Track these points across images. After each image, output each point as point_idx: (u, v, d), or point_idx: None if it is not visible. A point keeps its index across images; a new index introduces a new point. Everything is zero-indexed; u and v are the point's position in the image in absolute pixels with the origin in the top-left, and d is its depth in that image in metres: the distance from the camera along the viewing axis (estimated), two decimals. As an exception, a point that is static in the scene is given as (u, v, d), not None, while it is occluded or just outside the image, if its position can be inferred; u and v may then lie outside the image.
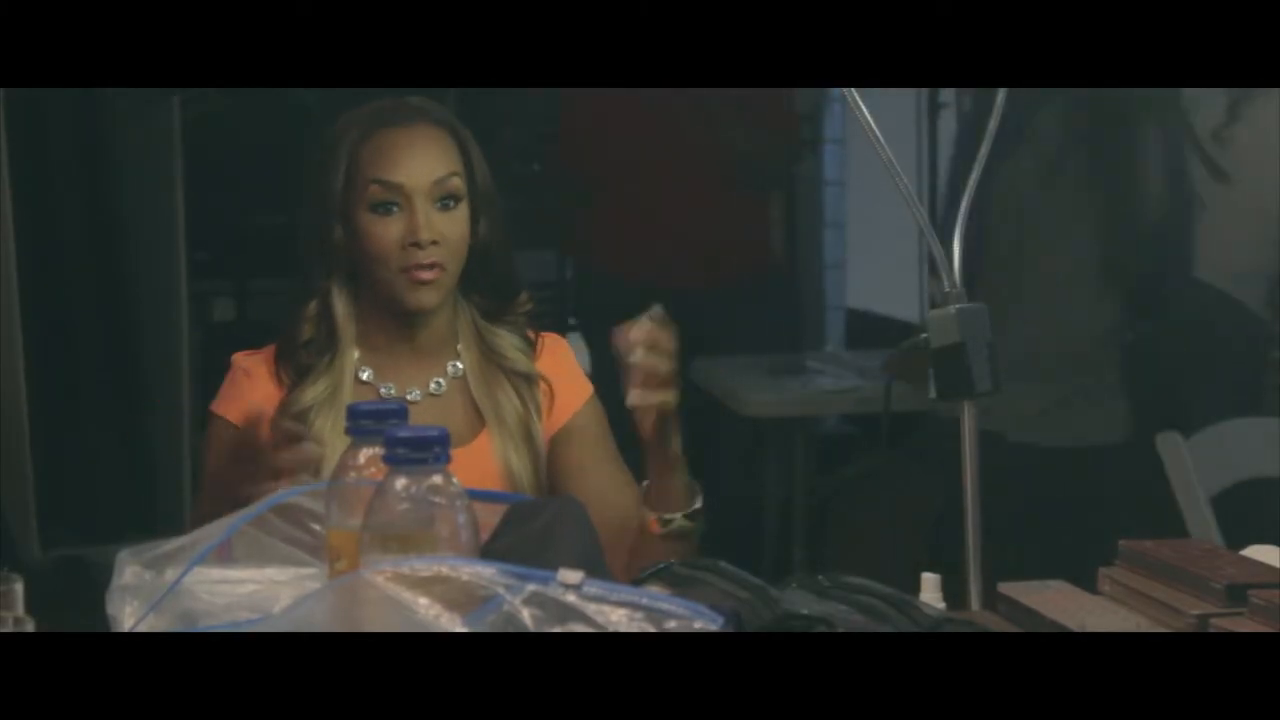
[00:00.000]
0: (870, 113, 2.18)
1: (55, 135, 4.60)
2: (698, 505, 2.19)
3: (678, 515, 2.17)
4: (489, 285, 2.25)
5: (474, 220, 2.21)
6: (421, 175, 2.17)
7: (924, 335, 2.19)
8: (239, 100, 5.23)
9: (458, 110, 2.46)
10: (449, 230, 2.17)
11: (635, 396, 2.07)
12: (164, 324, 4.75)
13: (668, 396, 2.08)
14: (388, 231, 2.16)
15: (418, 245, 2.14)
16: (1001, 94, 2.24)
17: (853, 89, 2.16)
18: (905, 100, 5.93)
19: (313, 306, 2.20)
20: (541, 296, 2.33)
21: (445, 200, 2.18)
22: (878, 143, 2.19)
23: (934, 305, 2.20)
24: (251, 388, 2.20)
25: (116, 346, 4.72)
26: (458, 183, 2.19)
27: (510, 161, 5.56)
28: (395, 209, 2.16)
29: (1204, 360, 4.10)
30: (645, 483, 2.19)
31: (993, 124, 2.24)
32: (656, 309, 2.09)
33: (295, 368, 2.19)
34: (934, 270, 2.20)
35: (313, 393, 2.18)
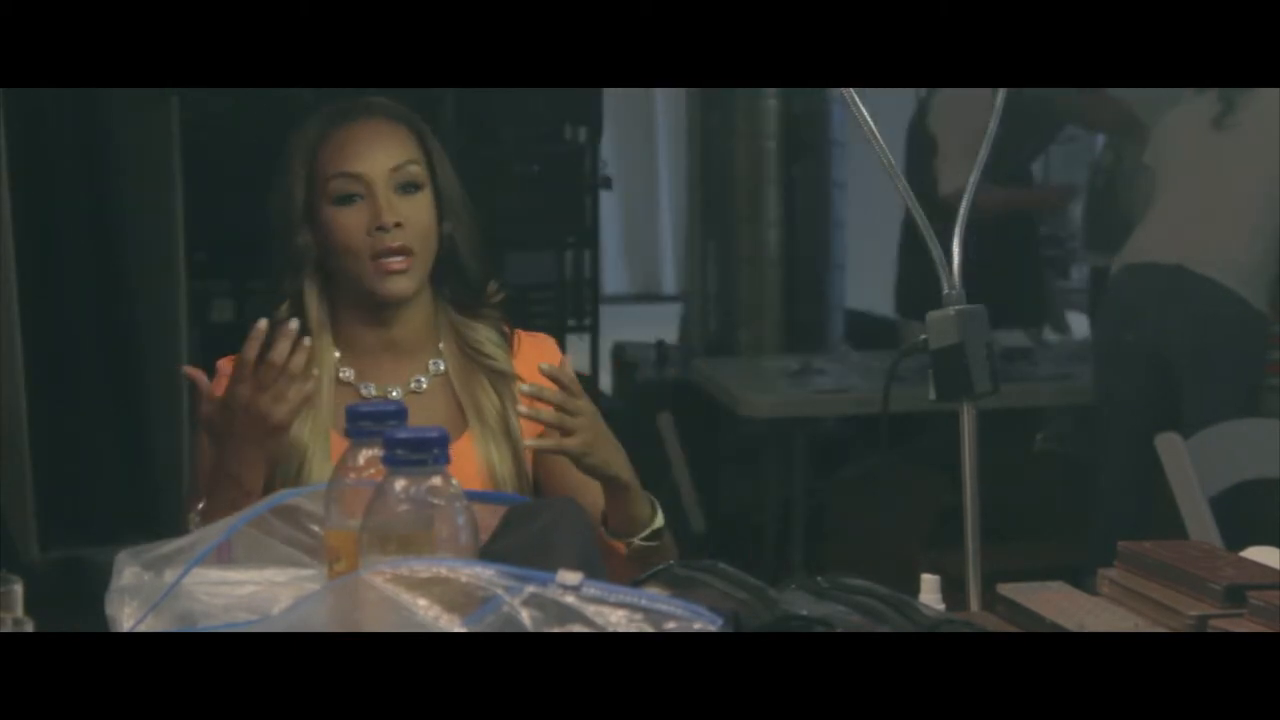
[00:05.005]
0: (870, 113, 2.18)
1: (55, 135, 4.61)
2: (657, 525, 2.18)
3: (635, 539, 2.16)
4: (460, 280, 2.26)
5: (440, 214, 2.22)
6: (379, 163, 2.20)
7: (923, 337, 2.19)
8: (239, 100, 5.23)
9: (457, 110, 2.46)
10: (412, 214, 2.19)
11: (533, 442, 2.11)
12: (163, 324, 4.75)
13: (564, 443, 2.07)
14: (352, 220, 2.18)
15: (383, 229, 2.17)
16: (1001, 94, 2.24)
17: (852, 89, 2.16)
18: (905, 100, 5.94)
19: (284, 309, 2.20)
20: (542, 298, 2.33)
21: (406, 186, 2.20)
22: (877, 143, 2.19)
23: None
24: None
25: (116, 346, 4.72)
26: (417, 170, 2.21)
27: (510, 161, 5.57)
28: (358, 199, 2.19)
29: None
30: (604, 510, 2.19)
31: (992, 125, 2.24)
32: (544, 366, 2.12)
33: None
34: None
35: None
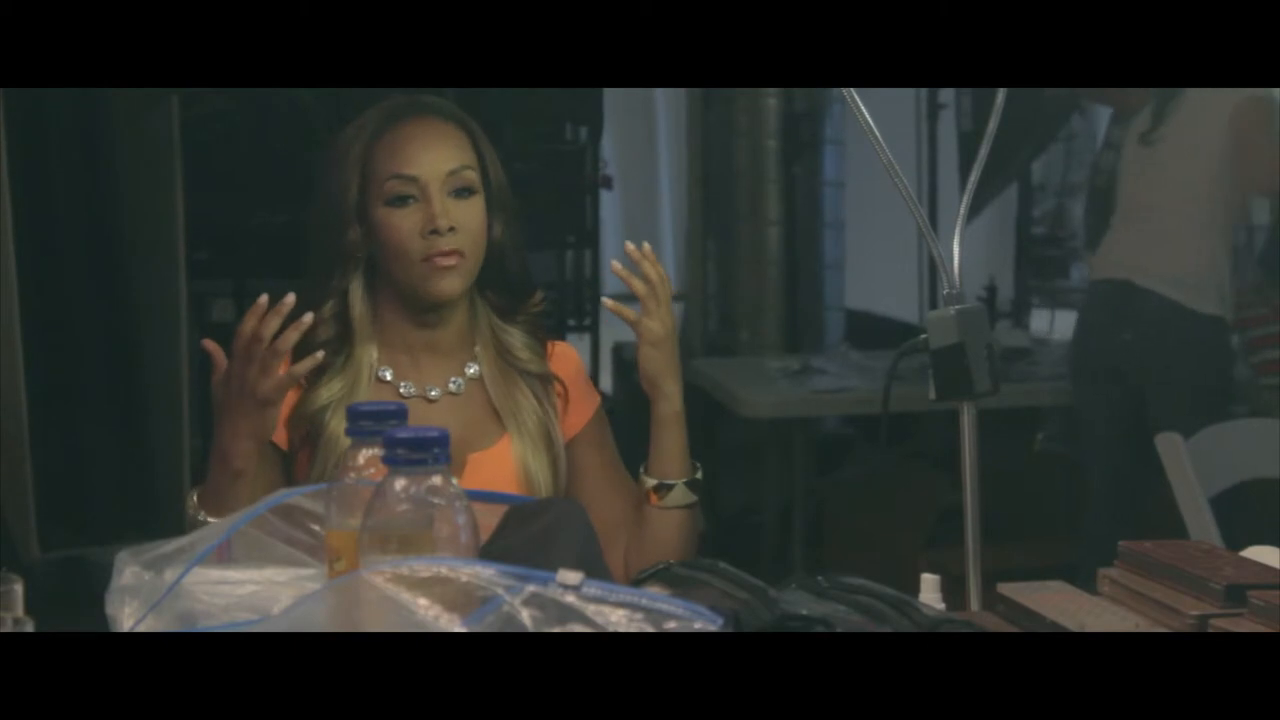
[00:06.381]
0: (870, 113, 2.18)
1: (55, 135, 4.61)
2: (698, 476, 2.23)
3: (678, 482, 2.19)
4: (503, 284, 2.26)
5: (489, 218, 2.22)
6: (436, 166, 2.19)
7: (923, 336, 2.19)
8: (239, 100, 5.23)
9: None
10: (466, 218, 2.19)
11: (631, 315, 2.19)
12: (164, 324, 4.75)
13: (641, 318, 2.18)
14: (406, 222, 2.17)
15: (437, 232, 2.16)
16: (1001, 94, 2.24)
17: (853, 89, 2.16)
18: (905, 100, 5.94)
19: (329, 307, 2.20)
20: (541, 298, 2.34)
21: (460, 191, 2.20)
22: (878, 143, 2.19)
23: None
24: None
25: (116, 346, 4.72)
26: (471, 175, 2.21)
27: (510, 162, 5.57)
28: (412, 201, 2.18)
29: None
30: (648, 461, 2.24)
31: (992, 125, 2.24)
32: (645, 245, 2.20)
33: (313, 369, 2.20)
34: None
35: (328, 391, 2.18)
